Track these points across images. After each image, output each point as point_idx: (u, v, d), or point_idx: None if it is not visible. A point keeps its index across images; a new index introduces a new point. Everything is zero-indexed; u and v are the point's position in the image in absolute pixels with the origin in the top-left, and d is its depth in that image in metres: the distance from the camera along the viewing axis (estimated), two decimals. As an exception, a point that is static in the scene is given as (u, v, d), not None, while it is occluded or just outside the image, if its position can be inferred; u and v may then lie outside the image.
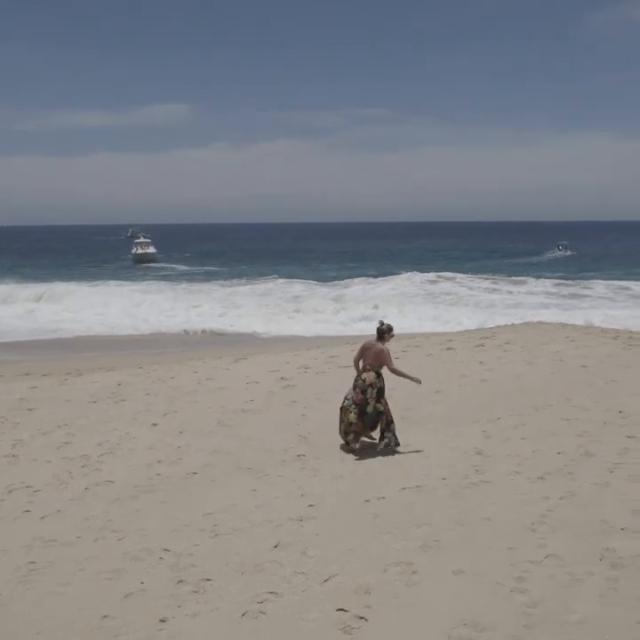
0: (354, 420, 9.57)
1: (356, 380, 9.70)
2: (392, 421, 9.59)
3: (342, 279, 55.39)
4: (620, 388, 12.41)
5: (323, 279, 56.10)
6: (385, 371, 9.65)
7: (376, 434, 9.82)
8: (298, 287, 48.93)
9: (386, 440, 9.53)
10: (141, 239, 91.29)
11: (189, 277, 61.69)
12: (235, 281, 55.89)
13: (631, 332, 19.79)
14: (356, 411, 9.55)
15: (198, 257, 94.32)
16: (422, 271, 58.73)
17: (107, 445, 10.40)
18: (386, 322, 9.92)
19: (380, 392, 9.58)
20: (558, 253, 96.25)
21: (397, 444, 9.53)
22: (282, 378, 14.05)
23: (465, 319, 31.94)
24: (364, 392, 9.51)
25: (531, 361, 15.00)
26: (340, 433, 9.86)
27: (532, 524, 6.94)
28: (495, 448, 9.38)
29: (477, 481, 8.20)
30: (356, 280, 54.07)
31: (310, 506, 7.72)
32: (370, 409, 9.51)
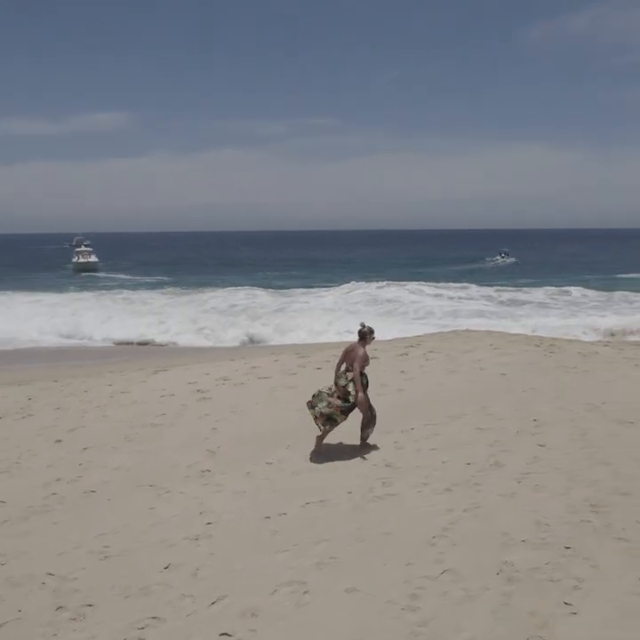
0: (335, 403, 9.59)
1: (338, 377, 9.88)
2: (373, 421, 9.88)
3: (288, 288, 55.32)
4: (538, 396, 12.39)
5: (268, 287, 55.65)
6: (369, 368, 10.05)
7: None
8: (239, 295, 48.54)
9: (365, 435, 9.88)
10: (82, 248, 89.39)
11: (129, 287, 60.74)
12: (175, 290, 55.23)
13: (554, 339, 19.93)
14: (336, 394, 9.64)
15: (140, 266, 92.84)
16: (367, 279, 59.36)
17: (5, 464, 9.91)
18: (367, 325, 10.08)
19: (364, 388, 9.76)
20: (500, 260, 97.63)
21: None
22: (198, 390, 13.70)
23: (399, 327, 31.93)
24: (345, 386, 9.69)
25: (452, 369, 14.93)
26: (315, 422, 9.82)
27: (433, 537, 6.76)
28: (405, 459, 9.20)
29: (383, 494, 7.99)
30: (301, 290, 53.88)
31: (208, 524, 7.41)
32: (351, 399, 9.62)
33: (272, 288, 54.99)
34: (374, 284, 55.11)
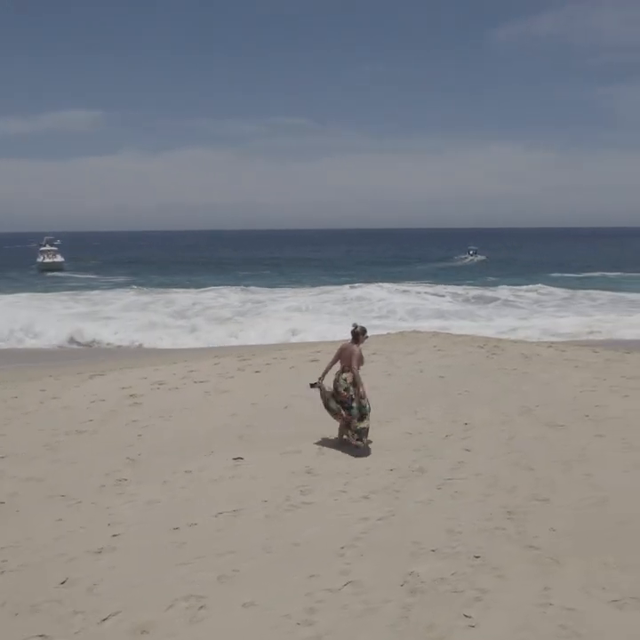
0: (343, 414, 9.91)
1: (336, 381, 9.99)
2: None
3: (257, 288, 54.36)
4: (473, 399, 12.31)
5: (237, 287, 54.78)
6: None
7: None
8: (204, 295, 47.84)
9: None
10: (47, 248, 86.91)
11: (93, 286, 59.73)
12: (139, 290, 53.97)
13: (500, 340, 19.95)
14: (342, 407, 9.91)
15: (107, 266, 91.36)
16: (336, 276, 59.33)
17: None
18: (360, 325, 10.32)
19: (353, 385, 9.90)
20: (469, 259, 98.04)
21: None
22: (131, 395, 13.37)
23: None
24: (346, 390, 9.87)
25: (391, 372, 14.80)
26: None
27: (342, 548, 6.57)
28: (327, 466, 9.01)
29: (299, 503, 7.79)
30: (269, 290, 53.01)
31: (114, 536, 7.13)
32: (355, 404, 9.82)
33: (240, 288, 54.02)
34: (346, 285, 54.68)
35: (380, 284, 55.05)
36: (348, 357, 9.97)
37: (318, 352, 17.56)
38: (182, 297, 47.10)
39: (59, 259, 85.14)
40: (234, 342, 30.46)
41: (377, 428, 10.64)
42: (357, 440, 9.76)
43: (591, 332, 29.62)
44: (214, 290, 51.61)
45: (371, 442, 9.89)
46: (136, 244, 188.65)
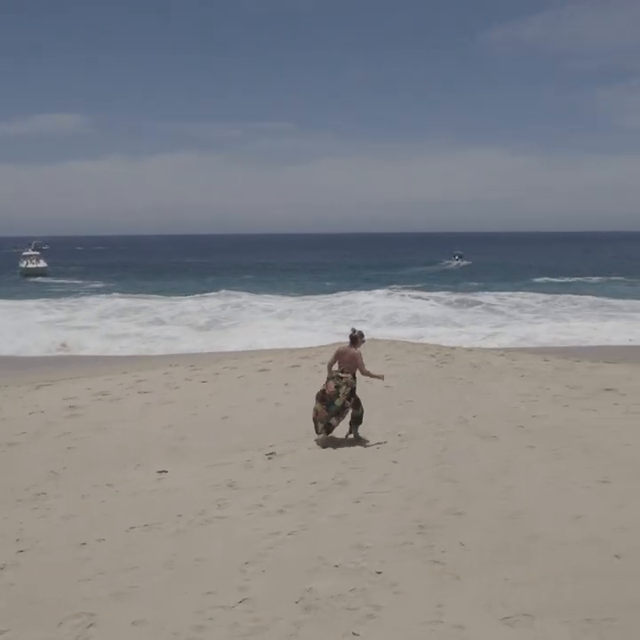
0: (319, 409, 10.61)
1: (330, 376, 10.72)
2: (360, 420, 10.88)
3: (240, 293, 53.49)
4: (413, 409, 12.32)
5: (221, 292, 53.96)
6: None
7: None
8: (184, 302, 47.04)
9: (351, 434, 10.81)
10: (30, 252, 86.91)
11: (75, 293, 58.85)
12: (113, 297, 52.67)
13: (453, 348, 20.00)
14: (323, 401, 10.62)
15: (91, 271, 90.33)
16: (319, 280, 59.26)
17: None
18: (357, 329, 10.98)
19: (353, 391, 10.71)
20: (454, 263, 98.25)
21: (358, 438, 10.74)
22: (71, 406, 13.26)
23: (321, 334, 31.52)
24: (337, 387, 10.57)
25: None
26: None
27: (246, 564, 6.49)
28: (251, 479, 8.94)
29: (213, 517, 7.71)
30: (256, 296, 52.19)
31: (20, 552, 7.01)
32: (338, 402, 10.54)
33: (218, 293, 53.29)
34: (329, 292, 54.42)
35: (367, 291, 54.27)
36: (346, 360, 10.67)
37: (269, 362, 17.53)
38: (159, 304, 46.52)
39: (42, 264, 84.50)
40: (205, 349, 30.18)
41: (309, 439, 10.60)
42: (323, 431, 10.58)
43: (559, 340, 29.65)
44: (193, 297, 50.84)
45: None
46: (121, 249, 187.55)
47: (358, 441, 10.65)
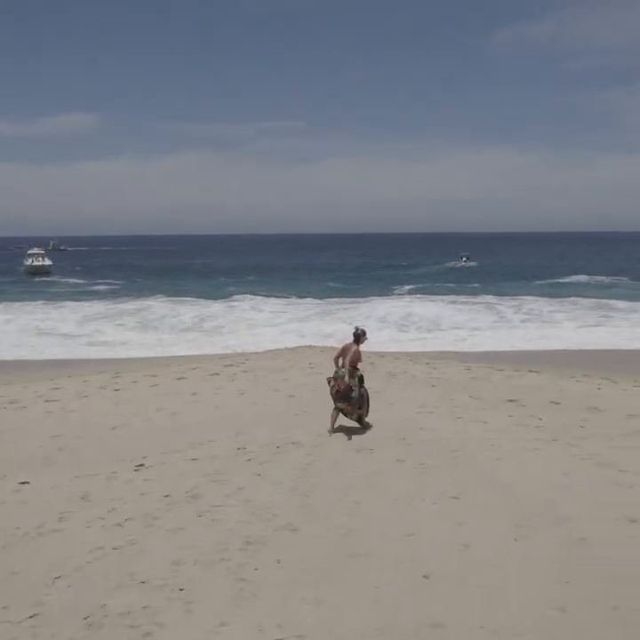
0: (343, 406, 11.62)
1: (336, 373, 11.67)
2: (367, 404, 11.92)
3: (239, 295, 52.06)
4: (305, 421, 12.36)
5: (212, 297, 51.05)
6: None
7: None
8: (183, 305, 44.88)
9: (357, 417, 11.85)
10: (35, 251, 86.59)
11: (76, 293, 57.06)
12: (108, 300, 50.02)
13: (383, 355, 20.03)
14: (342, 398, 11.55)
15: (97, 270, 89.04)
16: (322, 281, 59.50)
17: None
18: (360, 327, 12.13)
19: (361, 380, 11.77)
20: (461, 264, 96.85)
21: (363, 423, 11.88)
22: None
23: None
24: (344, 378, 11.51)
25: (245, 391, 14.83)
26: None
27: (57, 578, 6.53)
28: (107, 491, 8.95)
29: (49, 530, 7.72)
30: (240, 297, 50.23)
31: None
32: (355, 394, 11.55)
33: (222, 297, 50.71)
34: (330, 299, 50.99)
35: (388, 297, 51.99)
36: (352, 357, 11.66)
37: (194, 369, 17.55)
38: (159, 305, 44.61)
39: (47, 262, 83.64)
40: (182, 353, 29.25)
41: (186, 450, 10.65)
42: (359, 423, 11.76)
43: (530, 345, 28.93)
44: (193, 300, 48.26)
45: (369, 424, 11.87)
46: (127, 250, 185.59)
47: (365, 427, 11.86)
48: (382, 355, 20.63)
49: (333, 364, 12.01)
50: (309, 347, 22.90)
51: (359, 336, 11.91)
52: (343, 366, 11.67)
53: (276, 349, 22.46)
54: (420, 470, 9.59)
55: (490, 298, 48.55)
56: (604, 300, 44.72)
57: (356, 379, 11.70)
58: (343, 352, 11.86)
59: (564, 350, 26.15)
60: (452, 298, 49.10)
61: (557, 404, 13.85)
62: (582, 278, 69.29)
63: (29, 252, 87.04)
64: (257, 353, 22.23)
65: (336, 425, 11.75)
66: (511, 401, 13.96)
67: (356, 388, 11.64)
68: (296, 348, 22.77)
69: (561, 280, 67.45)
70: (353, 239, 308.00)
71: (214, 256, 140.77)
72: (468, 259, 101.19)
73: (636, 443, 11.04)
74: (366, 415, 11.99)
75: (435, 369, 17.54)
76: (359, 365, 11.83)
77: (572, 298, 46.58)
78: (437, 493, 8.66)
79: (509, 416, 12.69)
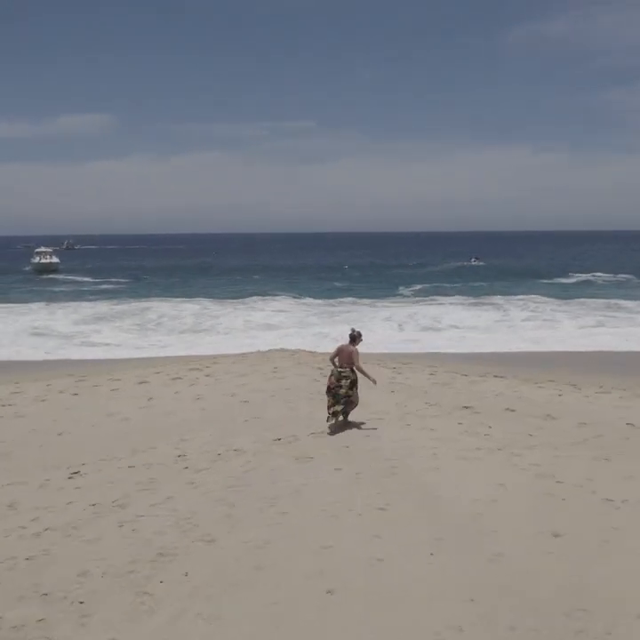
0: (329, 400, 12.31)
1: (332, 371, 12.39)
2: (355, 404, 12.60)
3: (245, 295, 51.80)
4: (252, 426, 12.34)
5: (217, 297, 51.08)
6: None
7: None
8: (184, 306, 44.03)
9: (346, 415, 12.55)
10: (42, 249, 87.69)
11: (80, 293, 57.18)
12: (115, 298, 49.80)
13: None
14: (330, 394, 12.31)
15: (106, 270, 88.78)
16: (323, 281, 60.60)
17: None
18: (356, 329, 12.76)
19: (353, 383, 12.36)
20: (472, 263, 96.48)
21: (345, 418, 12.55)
22: None
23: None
24: (338, 380, 12.26)
25: (201, 396, 14.81)
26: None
27: (-39, 590, 6.52)
28: (35, 499, 8.93)
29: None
30: (245, 297, 49.64)
31: None
32: (342, 392, 12.27)
33: (226, 297, 50.59)
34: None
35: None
36: (345, 356, 12.33)
37: (157, 374, 17.53)
38: (153, 307, 43.50)
39: (54, 259, 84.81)
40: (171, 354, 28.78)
41: (128, 458, 10.63)
42: (332, 418, 12.27)
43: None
44: (197, 301, 46.93)
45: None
46: (140, 248, 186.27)
47: (347, 424, 12.51)
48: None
49: (330, 362, 12.65)
50: (281, 350, 22.82)
51: (355, 337, 12.55)
52: (342, 366, 12.32)
53: (248, 353, 22.40)
54: (354, 480, 9.56)
55: (496, 298, 47.72)
56: (613, 301, 44.41)
57: (349, 381, 12.29)
58: (339, 352, 12.46)
59: (560, 352, 26.20)
60: (457, 299, 48.69)
61: (513, 411, 13.82)
62: (590, 277, 69.12)
63: (37, 250, 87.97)
64: (227, 356, 22.18)
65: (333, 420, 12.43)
66: (466, 408, 13.93)
67: (344, 388, 12.24)
68: (268, 351, 22.68)
69: (566, 280, 67.03)
70: (364, 238, 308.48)
71: (223, 255, 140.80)
72: (477, 259, 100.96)
73: (581, 452, 11.01)
74: (348, 414, 12.64)
75: (399, 374, 17.51)
76: (355, 366, 12.39)
77: (581, 299, 46.18)
78: (365, 504, 8.62)
79: (459, 423, 12.65)
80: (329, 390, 12.35)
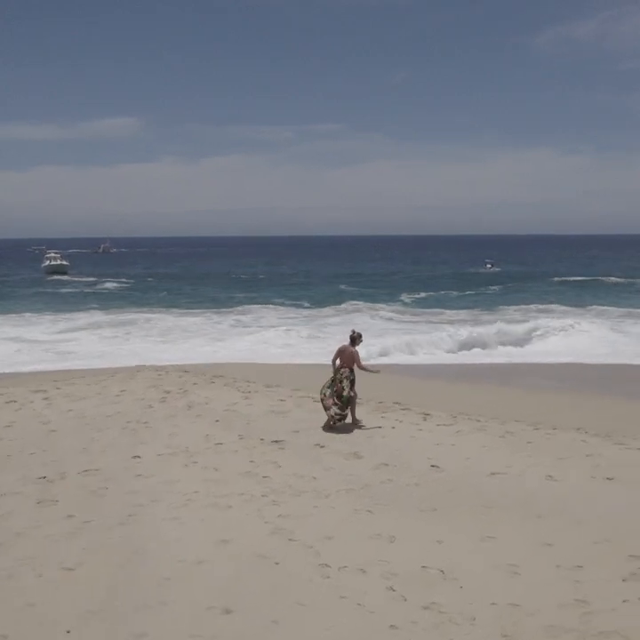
0: (332, 404, 13.29)
1: (334, 374, 13.31)
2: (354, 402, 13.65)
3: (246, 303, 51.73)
4: (28, 462, 11.91)
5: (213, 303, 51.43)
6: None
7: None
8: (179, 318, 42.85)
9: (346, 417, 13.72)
10: (51, 253, 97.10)
11: (84, 295, 59.63)
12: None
13: (212, 382, 19.60)
14: (334, 396, 13.24)
15: (119, 274, 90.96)
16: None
17: None
18: (356, 330, 13.72)
19: (352, 383, 13.29)
20: (487, 269, 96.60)
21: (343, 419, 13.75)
22: None
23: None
24: (341, 382, 13.13)
25: (14, 423, 14.43)
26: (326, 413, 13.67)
27: None
28: None
29: None
30: (241, 306, 49.61)
31: None
32: (345, 394, 13.23)
33: (222, 305, 50.31)
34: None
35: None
36: (346, 357, 13.23)
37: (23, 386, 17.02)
38: (140, 317, 42.77)
39: (64, 262, 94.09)
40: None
41: None
42: (336, 422, 13.50)
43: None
44: (197, 313, 45.74)
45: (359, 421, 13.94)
46: (167, 252, 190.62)
47: (356, 424, 13.77)
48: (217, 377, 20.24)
49: (331, 364, 13.55)
50: (151, 367, 22.39)
51: (355, 338, 13.47)
52: (341, 367, 13.20)
53: (124, 368, 22.06)
54: (77, 529, 9.17)
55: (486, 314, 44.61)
56: (629, 309, 43.44)
57: (349, 381, 13.17)
58: (340, 353, 13.36)
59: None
60: (440, 310, 46.69)
61: (322, 447, 12.91)
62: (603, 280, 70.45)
63: (47, 254, 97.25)
64: (102, 372, 21.79)
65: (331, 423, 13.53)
66: (276, 442, 13.29)
67: (346, 389, 13.14)
68: (139, 368, 22.22)
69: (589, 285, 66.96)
70: (389, 241, 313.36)
71: (240, 258, 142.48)
72: (492, 265, 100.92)
73: (344, 501, 10.17)
74: (354, 413, 13.81)
75: (246, 399, 17.13)
76: (357, 366, 13.41)
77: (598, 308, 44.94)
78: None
79: (251, 461, 12.14)
80: (335, 392, 13.21)
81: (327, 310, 47.60)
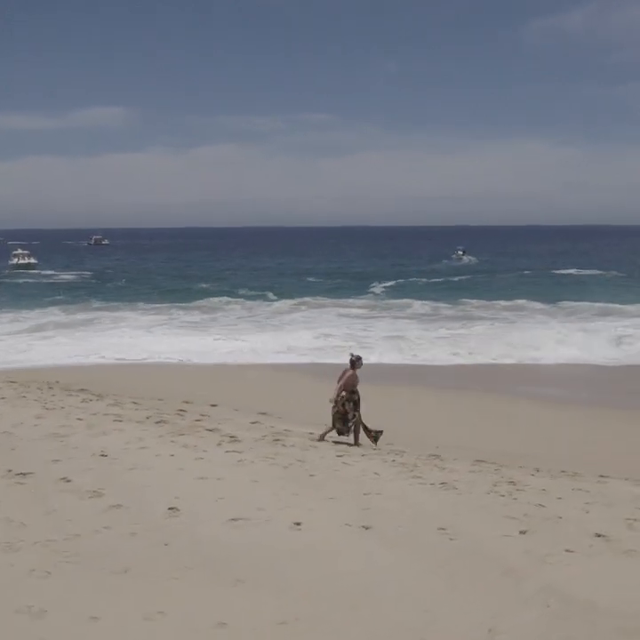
0: (340, 426, 13.32)
1: (337, 396, 13.19)
2: (359, 423, 13.34)
3: (211, 296, 49.48)
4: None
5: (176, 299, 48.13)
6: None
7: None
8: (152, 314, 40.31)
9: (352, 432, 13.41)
10: (19, 251, 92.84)
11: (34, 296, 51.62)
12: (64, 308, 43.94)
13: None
14: (340, 419, 13.27)
15: (89, 269, 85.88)
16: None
17: None
18: (355, 354, 13.79)
19: (355, 404, 13.23)
20: (462, 259, 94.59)
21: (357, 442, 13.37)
22: None
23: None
24: (344, 405, 13.15)
25: None
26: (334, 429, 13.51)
27: None
28: None
29: None
30: (202, 300, 47.20)
31: None
32: (350, 416, 13.25)
33: (184, 300, 47.24)
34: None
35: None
36: (349, 381, 13.20)
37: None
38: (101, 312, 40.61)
39: (32, 260, 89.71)
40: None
41: None
42: (355, 443, 13.28)
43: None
44: (163, 309, 43.25)
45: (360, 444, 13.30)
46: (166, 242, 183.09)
47: (358, 445, 13.32)
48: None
49: (336, 385, 13.36)
50: (47, 383, 19.32)
51: (354, 362, 13.41)
52: (345, 390, 13.09)
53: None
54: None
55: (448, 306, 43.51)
56: (611, 306, 40.47)
57: (352, 403, 13.16)
58: (341, 377, 13.31)
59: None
60: (409, 301, 45.52)
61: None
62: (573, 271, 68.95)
63: (14, 252, 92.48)
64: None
65: (325, 437, 13.39)
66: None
67: (350, 412, 13.17)
68: (29, 382, 19.47)
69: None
70: (374, 232, 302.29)
71: (219, 249, 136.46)
72: (464, 253, 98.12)
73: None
74: (358, 435, 13.40)
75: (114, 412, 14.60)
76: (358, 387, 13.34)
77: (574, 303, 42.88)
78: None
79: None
80: (338, 416, 13.17)
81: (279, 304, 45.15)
